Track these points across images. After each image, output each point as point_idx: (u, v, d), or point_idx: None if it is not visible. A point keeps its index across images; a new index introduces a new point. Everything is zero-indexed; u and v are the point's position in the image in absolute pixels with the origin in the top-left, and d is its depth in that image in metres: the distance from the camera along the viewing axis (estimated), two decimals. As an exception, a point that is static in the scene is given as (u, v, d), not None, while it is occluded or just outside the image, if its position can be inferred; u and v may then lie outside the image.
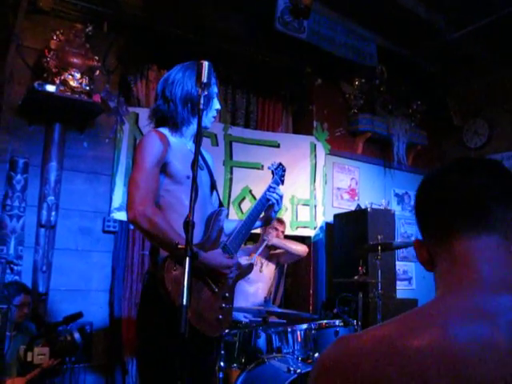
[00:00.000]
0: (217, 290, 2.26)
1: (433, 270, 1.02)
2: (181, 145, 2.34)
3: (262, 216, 2.59)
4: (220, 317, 2.25)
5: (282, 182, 2.76)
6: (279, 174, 2.74)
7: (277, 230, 4.60)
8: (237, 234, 2.43)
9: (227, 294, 2.32)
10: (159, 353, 2.09)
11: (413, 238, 6.28)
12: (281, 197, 2.60)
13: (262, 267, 4.56)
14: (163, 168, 2.25)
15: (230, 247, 2.37)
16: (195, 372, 2.17)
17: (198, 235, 2.24)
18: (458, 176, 0.99)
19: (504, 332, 0.79)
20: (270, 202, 2.55)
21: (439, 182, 1.02)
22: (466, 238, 0.93)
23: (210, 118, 2.42)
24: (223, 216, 2.40)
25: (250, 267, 2.58)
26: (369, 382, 0.78)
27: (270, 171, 2.74)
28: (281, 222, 4.67)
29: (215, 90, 2.44)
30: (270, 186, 2.59)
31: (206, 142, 4.76)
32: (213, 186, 2.49)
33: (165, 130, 2.33)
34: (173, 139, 2.32)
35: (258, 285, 4.50)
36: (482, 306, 0.83)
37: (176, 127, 2.35)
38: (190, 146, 2.39)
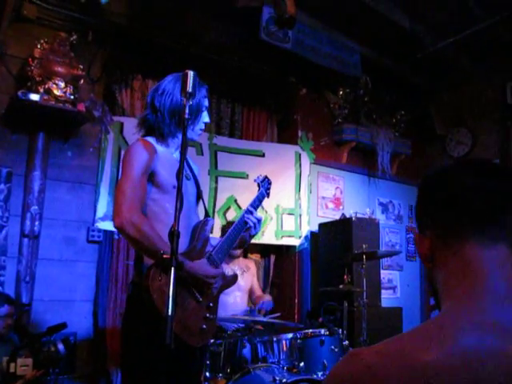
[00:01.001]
0: (201, 299, 2.25)
1: (431, 267, 1.00)
2: (167, 154, 2.36)
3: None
4: (204, 326, 2.25)
5: (268, 194, 2.78)
6: (265, 186, 2.76)
7: None
8: (221, 246, 2.44)
9: (211, 304, 2.31)
10: (144, 363, 2.08)
11: (397, 247, 6.32)
12: (258, 220, 2.58)
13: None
14: (150, 177, 2.27)
15: (215, 257, 2.37)
16: (180, 382, 2.16)
17: (182, 245, 2.24)
18: (474, 179, 0.96)
19: None
20: (247, 225, 2.54)
21: (453, 182, 0.98)
22: (479, 245, 0.91)
23: (197, 130, 2.44)
24: (209, 226, 2.40)
25: (235, 278, 2.56)
26: None
27: (256, 184, 2.76)
28: None
29: (205, 103, 2.45)
30: (248, 210, 2.58)
31: (191, 151, 4.75)
32: (199, 196, 2.51)
33: (151, 139, 2.34)
34: (160, 148, 2.33)
35: (235, 293, 4.48)
36: (497, 320, 0.80)
37: (162, 138, 2.36)
38: (177, 155, 2.40)
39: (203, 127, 2.48)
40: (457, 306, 0.85)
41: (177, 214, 1.54)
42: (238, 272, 4.60)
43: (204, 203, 2.56)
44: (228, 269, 4.55)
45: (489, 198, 0.93)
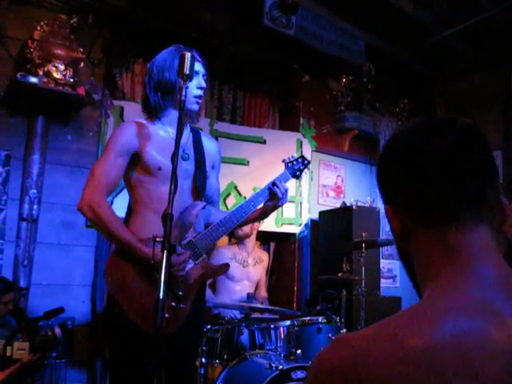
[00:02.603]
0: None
1: (406, 248, 0.94)
2: (161, 133, 2.31)
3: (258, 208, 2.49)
4: (166, 315, 2.06)
5: (297, 176, 2.62)
6: (294, 167, 2.60)
7: None
8: (211, 231, 2.32)
9: (181, 293, 2.19)
10: (124, 354, 2.14)
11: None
12: (286, 191, 2.47)
13: (247, 266, 4.55)
14: (135, 158, 2.24)
15: (197, 244, 2.26)
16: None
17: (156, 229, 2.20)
18: (449, 147, 0.87)
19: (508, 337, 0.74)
20: (278, 198, 2.43)
21: (424, 149, 0.88)
22: (461, 228, 0.85)
23: (190, 99, 2.30)
24: (196, 210, 2.31)
25: (222, 268, 2.42)
26: None
27: (284, 164, 2.61)
28: None
29: (197, 67, 2.28)
30: (275, 182, 2.45)
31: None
32: (196, 177, 2.39)
33: (144, 120, 2.33)
34: (153, 128, 2.30)
35: (243, 282, 4.48)
36: (485, 303, 0.77)
37: (152, 115, 2.33)
38: (174, 135, 2.33)
39: (198, 94, 2.34)
40: (443, 290, 0.82)
41: (170, 196, 1.51)
42: (251, 262, 4.59)
43: (198, 185, 2.39)
44: (240, 256, 4.55)
45: (468, 172, 0.86)
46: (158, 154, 2.23)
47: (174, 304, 2.16)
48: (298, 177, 2.61)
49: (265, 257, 4.87)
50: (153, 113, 2.32)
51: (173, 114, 2.31)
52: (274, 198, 2.44)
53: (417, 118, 0.97)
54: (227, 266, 2.44)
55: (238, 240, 4.64)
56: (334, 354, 0.78)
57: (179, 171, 2.22)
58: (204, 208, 2.34)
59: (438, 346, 0.72)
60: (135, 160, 2.25)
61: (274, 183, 2.43)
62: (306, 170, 2.66)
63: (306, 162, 2.64)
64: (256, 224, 4.58)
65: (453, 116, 0.94)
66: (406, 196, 0.91)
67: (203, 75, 2.35)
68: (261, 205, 2.46)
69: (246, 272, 4.54)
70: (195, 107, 2.35)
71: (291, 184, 5.37)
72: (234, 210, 2.38)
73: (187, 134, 2.40)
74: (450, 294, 0.80)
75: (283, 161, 2.60)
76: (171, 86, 2.25)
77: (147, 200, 2.24)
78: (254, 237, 4.70)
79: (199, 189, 2.37)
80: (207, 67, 2.40)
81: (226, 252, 4.57)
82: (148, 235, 2.13)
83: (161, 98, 2.27)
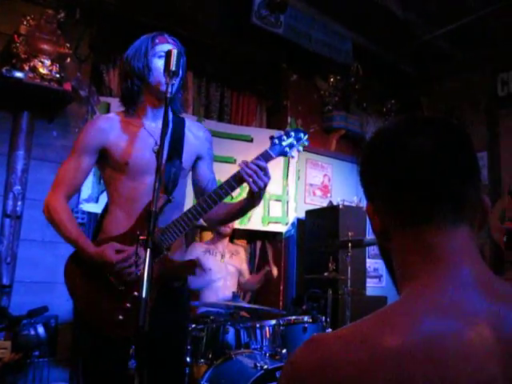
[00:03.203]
0: (122, 288, 2.05)
1: (386, 246, 0.93)
2: (132, 125, 2.20)
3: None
4: (120, 317, 2.02)
5: (285, 153, 2.18)
6: (283, 143, 2.18)
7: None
8: (172, 226, 2.11)
9: (136, 294, 1.98)
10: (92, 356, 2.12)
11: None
12: (260, 173, 2.05)
13: (223, 257, 4.57)
14: (105, 154, 2.17)
15: (160, 237, 2.08)
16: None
17: (123, 228, 2.12)
18: (431, 146, 0.86)
19: (487, 332, 0.74)
20: (249, 184, 2.05)
21: (405, 148, 0.87)
22: (439, 229, 0.84)
23: (160, 81, 2.10)
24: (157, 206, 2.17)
25: (188, 264, 2.21)
26: None
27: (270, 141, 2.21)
28: None
29: (161, 48, 2.16)
30: (246, 163, 2.07)
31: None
32: (164, 171, 2.17)
33: (118, 113, 2.26)
34: (126, 120, 2.21)
35: (224, 277, 4.50)
36: (460, 305, 0.77)
37: (124, 106, 2.25)
38: (150, 126, 2.21)
39: (161, 71, 1.96)
40: (419, 291, 0.81)
41: (155, 194, 1.48)
42: (227, 255, 4.61)
43: (166, 179, 2.15)
44: (215, 250, 4.56)
45: (449, 172, 0.85)
46: (126, 147, 2.13)
47: (129, 305, 2.03)
48: (285, 153, 2.19)
49: (240, 249, 4.92)
50: (126, 103, 2.23)
51: (146, 105, 2.21)
52: (248, 185, 2.07)
53: (400, 116, 0.97)
54: (194, 262, 2.27)
55: (220, 237, 4.65)
56: (307, 355, 0.78)
57: (149, 165, 2.10)
58: (169, 202, 2.11)
59: (409, 347, 0.72)
60: (106, 156, 2.17)
61: (246, 164, 2.07)
62: (299, 146, 2.23)
63: (299, 135, 2.22)
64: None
65: (436, 115, 0.95)
66: (385, 194, 0.90)
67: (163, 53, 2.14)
68: (235, 194, 2.32)
69: (224, 265, 4.55)
70: (163, 88, 2.05)
71: (277, 182, 5.42)
72: (199, 201, 2.13)
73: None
74: (425, 294, 0.80)
75: (270, 138, 2.21)
76: (139, 74, 2.14)
77: (116, 198, 2.17)
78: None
79: (166, 183, 2.15)
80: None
81: (198, 247, 4.61)
82: (117, 234, 2.11)
83: (131, 86, 2.17)
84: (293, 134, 2.20)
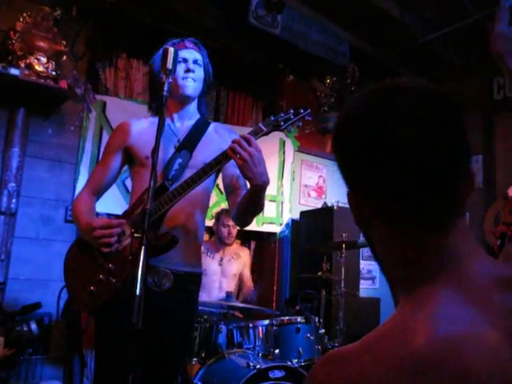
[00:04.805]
0: (101, 261, 2.06)
1: (369, 234, 0.85)
2: (156, 125, 2.15)
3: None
4: (91, 288, 2.02)
5: (279, 126, 2.09)
6: (279, 119, 2.10)
7: (227, 226, 4.56)
8: (158, 204, 2.05)
9: (111, 266, 2.03)
10: (107, 342, 2.10)
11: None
12: (249, 150, 1.94)
13: (221, 261, 4.54)
14: (130, 153, 2.28)
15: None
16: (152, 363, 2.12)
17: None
18: (417, 122, 0.73)
19: (502, 334, 0.71)
20: (237, 161, 1.97)
21: (386, 126, 0.74)
22: (443, 223, 0.77)
23: (179, 82, 2.22)
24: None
25: (163, 235, 2.03)
26: None
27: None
28: (228, 215, 4.32)
29: (185, 54, 2.26)
30: (234, 139, 2.00)
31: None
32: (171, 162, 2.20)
33: (146, 117, 2.39)
34: (151, 120, 2.32)
35: (220, 279, 4.48)
36: (481, 305, 0.73)
37: (153, 109, 2.38)
38: (174, 126, 2.32)
39: (185, 75, 2.23)
40: (432, 292, 0.76)
41: (150, 192, 1.49)
42: (226, 258, 4.58)
43: (156, 176, 1.88)
44: (214, 253, 4.54)
45: (442, 154, 0.74)
46: (148, 143, 2.09)
47: (102, 277, 2.03)
48: (279, 127, 2.09)
49: (243, 252, 4.82)
50: (151, 107, 2.37)
51: (170, 107, 2.32)
52: (237, 161, 1.98)
53: (375, 84, 0.84)
54: (174, 239, 2.04)
55: (223, 244, 4.60)
56: (329, 371, 0.74)
57: (163, 161, 2.18)
58: (165, 188, 2.11)
59: (431, 350, 0.69)
60: (131, 154, 2.28)
61: (233, 140, 1.99)
62: (297, 121, 2.14)
63: (300, 111, 2.15)
64: (232, 227, 4.57)
65: (419, 80, 0.82)
66: (369, 184, 0.80)
67: (194, 61, 2.28)
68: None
69: (221, 268, 4.53)
70: (185, 90, 2.24)
71: (272, 182, 5.40)
72: (187, 178, 2.07)
73: (189, 123, 2.34)
74: (439, 295, 0.75)
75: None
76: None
77: (136, 190, 2.24)
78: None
79: (167, 172, 2.17)
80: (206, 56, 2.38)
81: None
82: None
83: (156, 90, 2.26)
84: (292, 110, 2.13)
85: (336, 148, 0.86)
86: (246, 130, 5.37)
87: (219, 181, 2.48)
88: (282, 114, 2.10)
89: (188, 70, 2.23)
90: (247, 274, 4.77)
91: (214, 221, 4.63)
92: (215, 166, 2.01)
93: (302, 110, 2.14)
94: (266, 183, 2.01)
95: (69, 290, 2.21)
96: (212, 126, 2.42)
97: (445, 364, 0.67)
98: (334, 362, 0.74)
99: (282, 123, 2.07)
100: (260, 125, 2.07)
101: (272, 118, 2.08)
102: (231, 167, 2.25)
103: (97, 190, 2.32)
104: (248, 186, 2.10)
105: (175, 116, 2.32)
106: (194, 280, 2.29)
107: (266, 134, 2.06)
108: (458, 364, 0.67)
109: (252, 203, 2.14)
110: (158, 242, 1.99)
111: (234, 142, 1.95)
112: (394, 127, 0.74)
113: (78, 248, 2.20)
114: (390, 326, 0.76)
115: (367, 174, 0.78)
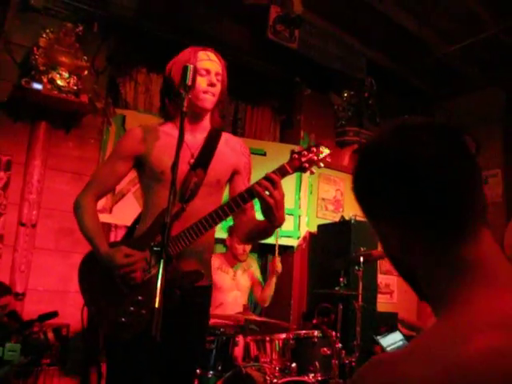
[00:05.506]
0: (126, 291, 2.11)
1: (407, 262, 0.91)
2: (170, 137, 2.20)
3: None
4: (122, 320, 2.07)
5: (303, 168, 2.10)
6: (302, 159, 2.09)
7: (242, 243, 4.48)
8: (182, 235, 2.11)
9: (140, 298, 2.09)
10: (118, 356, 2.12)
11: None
12: (273, 191, 1.99)
13: (235, 275, 4.51)
14: (142, 162, 2.24)
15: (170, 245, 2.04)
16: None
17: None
18: (443, 154, 0.83)
19: None
20: (263, 201, 2.00)
21: (418, 158, 0.83)
22: (475, 237, 0.81)
23: (199, 95, 2.21)
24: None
25: (193, 274, 2.17)
26: None
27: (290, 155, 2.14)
28: None
29: (208, 65, 2.26)
30: (265, 177, 2.02)
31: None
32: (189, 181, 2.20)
33: (157, 124, 2.33)
34: (163, 130, 2.27)
35: (234, 293, 4.44)
36: None
37: (165, 117, 2.33)
38: (187, 139, 2.19)
39: (206, 89, 2.22)
40: (469, 305, 0.77)
41: (169, 206, 1.52)
42: (239, 272, 4.56)
43: (176, 190, 1.89)
44: (228, 268, 4.51)
45: (465, 178, 0.83)
46: (162, 157, 2.15)
47: (133, 309, 2.08)
48: (303, 169, 2.11)
49: (251, 262, 4.78)
50: (164, 115, 2.32)
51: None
52: (262, 202, 2.03)
53: (390, 124, 0.93)
54: (199, 274, 2.18)
55: (235, 259, 4.58)
56: (375, 375, 0.75)
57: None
58: (183, 210, 2.14)
59: (473, 362, 0.69)
60: (143, 164, 2.23)
61: (257, 182, 2.04)
62: (319, 162, 2.13)
63: (321, 151, 2.12)
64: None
65: (431, 119, 0.93)
66: (403, 210, 0.86)
67: (216, 74, 2.27)
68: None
69: (236, 282, 4.50)
70: (204, 104, 2.24)
71: (290, 196, 5.42)
72: (212, 212, 2.11)
73: (202, 136, 2.31)
74: (477, 309, 0.76)
75: (291, 152, 2.14)
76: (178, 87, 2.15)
77: (150, 206, 2.22)
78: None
79: (184, 191, 2.18)
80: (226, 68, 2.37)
81: (213, 260, 4.52)
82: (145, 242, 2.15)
83: (171, 99, 2.25)
84: (314, 149, 2.12)
85: (366, 183, 0.93)
86: (264, 144, 5.40)
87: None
88: (305, 153, 2.10)
89: (211, 84, 2.23)
90: (259, 276, 4.72)
91: (227, 235, 4.62)
92: (243, 203, 2.09)
93: (325, 150, 2.14)
94: (281, 225, 2.12)
95: (91, 307, 2.19)
96: (223, 138, 2.39)
97: (494, 374, 0.68)
98: (382, 365, 0.76)
99: (306, 165, 2.10)
100: (286, 166, 2.08)
101: (297, 159, 2.09)
102: (240, 184, 2.34)
103: (100, 193, 2.31)
104: (255, 206, 2.19)
105: (188, 127, 2.24)
106: (203, 293, 2.30)
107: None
108: (508, 373, 0.68)
109: (263, 235, 2.29)
110: (186, 280, 2.12)
111: (261, 182, 2.01)
112: (426, 164, 0.83)
113: (96, 270, 2.17)
114: (438, 332, 0.77)
115: (401, 204, 0.86)
